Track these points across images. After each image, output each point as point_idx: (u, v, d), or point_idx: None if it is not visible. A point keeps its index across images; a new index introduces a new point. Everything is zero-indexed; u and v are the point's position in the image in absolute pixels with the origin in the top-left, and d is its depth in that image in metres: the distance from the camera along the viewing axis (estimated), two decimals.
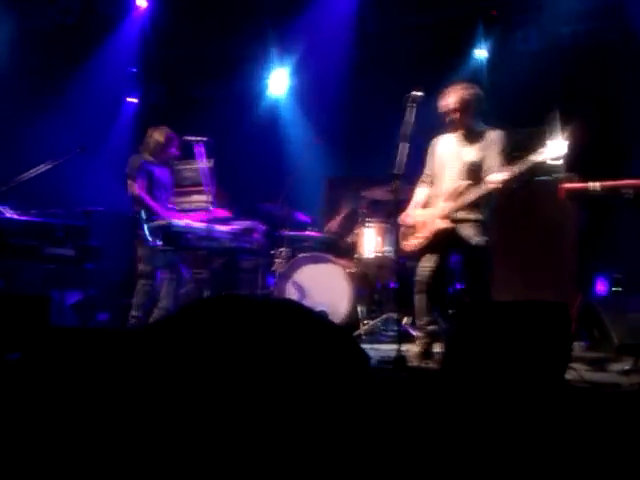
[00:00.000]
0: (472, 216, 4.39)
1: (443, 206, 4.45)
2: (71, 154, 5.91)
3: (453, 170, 4.49)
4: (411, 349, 4.54)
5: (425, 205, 4.64)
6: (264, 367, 2.08)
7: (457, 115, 4.46)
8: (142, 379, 2.11)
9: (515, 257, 5.45)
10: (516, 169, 4.16)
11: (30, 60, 7.52)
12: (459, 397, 2.76)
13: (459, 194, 4.39)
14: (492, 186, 4.23)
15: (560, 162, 4.19)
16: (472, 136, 4.49)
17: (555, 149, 4.07)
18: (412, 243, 4.56)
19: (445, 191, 4.48)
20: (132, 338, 2.28)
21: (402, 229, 4.66)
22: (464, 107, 4.44)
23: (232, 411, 1.99)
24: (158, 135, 5.62)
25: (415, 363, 4.26)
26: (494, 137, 4.43)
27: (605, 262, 5.41)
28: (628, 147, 5.99)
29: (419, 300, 4.50)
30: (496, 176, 4.22)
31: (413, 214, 4.63)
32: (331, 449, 2.00)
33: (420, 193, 4.71)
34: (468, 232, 4.36)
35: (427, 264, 4.46)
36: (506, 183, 4.19)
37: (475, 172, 4.39)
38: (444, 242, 4.42)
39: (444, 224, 4.39)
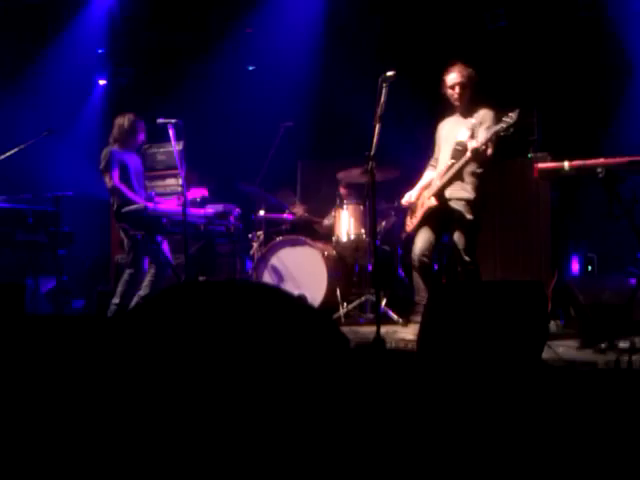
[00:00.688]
0: (462, 194, 4.66)
1: (434, 184, 4.74)
2: (38, 137, 5.80)
3: (448, 151, 4.76)
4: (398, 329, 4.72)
5: (427, 185, 4.89)
6: (243, 352, 2.07)
7: (459, 91, 4.72)
8: (119, 367, 2.09)
9: (490, 237, 5.49)
10: (481, 138, 4.48)
11: None
12: (436, 378, 2.78)
13: (446, 172, 4.67)
14: (464, 159, 4.54)
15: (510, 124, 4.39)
16: (467, 115, 4.76)
17: (512, 119, 4.39)
18: (411, 223, 4.87)
19: (439, 171, 4.77)
20: (108, 325, 2.25)
21: (408, 211, 4.96)
22: (465, 83, 4.71)
23: (211, 397, 1.98)
24: (123, 122, 5.56)
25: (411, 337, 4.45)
26: (483, 114, 4.70)
27: (578, 242, 5.47)
28: (601, 126, 6.04)
29: (414, 277, 4.80)
30: (469, 143, 4.52)
31: (410, 194, 4.93)
32: (311, 432, 2.00)
33: (426, 176, 4.98)
34: (458, 210, 4.63)
35: (419, 242, 4.75)
36: (476, 152, 4.48)
37: (462, 152, 4.62)
38: (435, 220, 4.74)
39: (433, 202, 4.68)
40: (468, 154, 4.52)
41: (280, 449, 1.95)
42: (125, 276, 5.41)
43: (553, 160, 4.60)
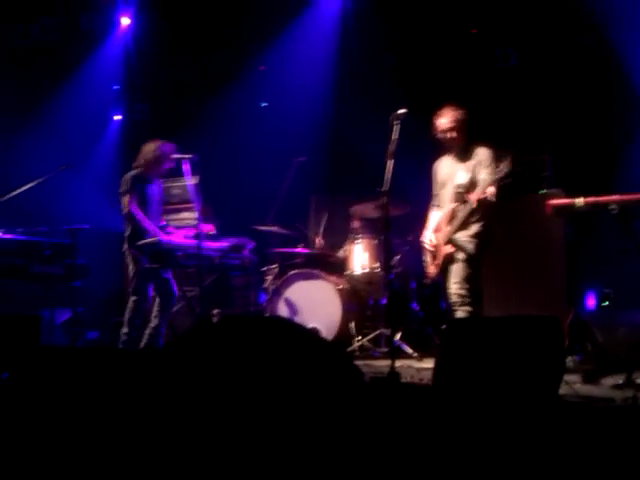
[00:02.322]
0: (470, 231, 4.74)
1: (445, 231, 4.80)
2: (55, 171, 5.87)
3: (448, 192, 4.85)
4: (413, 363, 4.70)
5: (437, 229, 4.92)
6: (259, 386, 2.08)
7: (451, 135, 4.78)
8: (141, 400, 2.10)
9: (504, 273, 5.48)
10: (484, 186, 4.58)
11: (14, 79, 7.47)
12: (452, 413, 2.76)
13: (452, 218, 4.77)
14: (469, 206, 4.66)
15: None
16: (464, 155, 4.82)
17: (506, 167, 4.53)
18: (433, 269, 4.89)
19: (444, 215, 4.85)
20: (136, 359, 2.26)
21: (427, 256, 4.98)
22: (457, 127, 4.77)
23: (233, 429, 1.98)
24: (149, 150, 5.52)
25: None
26: (481, 154, 4.76)
27: (593, 277, 5.45)
28: (613, 162, 6.06)
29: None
30: (472, 196, 4.63)
31: (429, 238, 4.95)
32: (327, 464, 1.99)
33: (433, 217, 5.02)
34: (460, 244, 4.73)
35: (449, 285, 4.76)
36: (481, 201, 4.60)
37: (463, 194, 4.73)
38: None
39: (450, 249, 4.75)
40: (473, 205, 4.62)
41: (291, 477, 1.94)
42: (130, 304, 5.36)
43: (566, 196, 4.61)
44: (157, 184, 5.67)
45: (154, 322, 5.33)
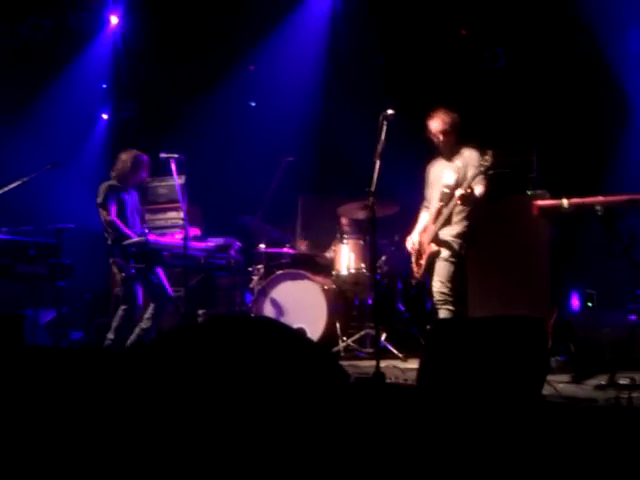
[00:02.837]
0: (454, 231, 4.83)
1: (430, 230, 4.89)
2: (41, 170, 5.84)
3: (436, 193, 4.93)
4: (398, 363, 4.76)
5: (424, 229, 5.02)
6: (242, 386, 2.07)
7: (441, 138, 4.88)
8: (124, 401, 2.09)
9: (490, 273, 5.49)
10: (470, 182, 4.65)
11: (2, 78, 7.43)
12: (436, 413, 2.77)
13: (437, 216, 4.86)
14: (453, 202, 4.71)
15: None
16: (451, 157, 4.92)
17: (487, 162, 4.59)
18: (418, 269, 4.97)
19: (431, 215, 4.94)
20: (122, 358, 2.26)
21: (412, 256, 5.06)
22: (448, 130, 4.86)
23: (218, 429, 1.98)
24: (126, 159, 5.53)
25: None
26: (467, 156, 4.86)
27: (577, 278, 5.48)
28: (599, 164, 6.10)
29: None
30: (457, 191, 4.68)
31: (412, 240, 5.06)
32: (313, 464, 2.00)
33: (422, 218, 5.13)
34: (444, 241, 4.82)
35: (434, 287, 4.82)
36: (463, 198, 4.64)
37: (449, 194, 4.79)
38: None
39: (434, 248, 4.83)
40: (457, 202, 4.67)
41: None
42: (119, 312, 5.34)
43: (552, 197, 4.64)
44: (134, 192, 5.67)
45: (146, 324, 5.31)
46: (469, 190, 4.61)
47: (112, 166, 5.62)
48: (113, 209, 5.35)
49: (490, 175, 4.67)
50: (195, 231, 5.61)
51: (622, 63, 6.26)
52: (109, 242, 5.36)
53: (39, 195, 6.63)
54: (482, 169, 4.59)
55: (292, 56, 7.57)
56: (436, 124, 4.88)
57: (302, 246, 6.98)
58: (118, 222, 5.32)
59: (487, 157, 4.57)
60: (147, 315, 5.35)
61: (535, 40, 6.85)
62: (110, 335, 5.29)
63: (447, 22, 7.15)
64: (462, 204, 4.69)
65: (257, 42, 7.61)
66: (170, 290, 5.50)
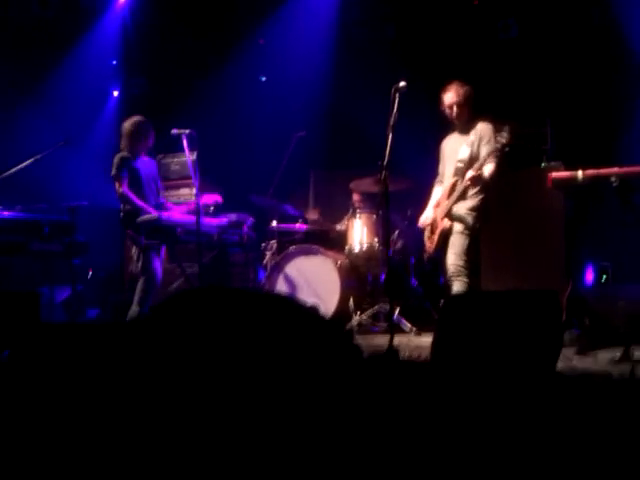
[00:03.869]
0: (468, 204, 4.80)
1: (443, 204, 4.85)
2: (54, 147, 5.84)
3: (451, 168, 4.90)
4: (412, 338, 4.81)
5: (438, 204, 4.99)
6: (256, 361, 2.08)
7: (456, 110, 4.84)
8: (132, 373, 2.10)
9: (503, 247, 5.47)
10: (482, 162, 4.64)
11: (10, 54, 7.41)
12: (450, 388, 2.77)
13: (451, 191, 4.82)
14: (467, 183, 4.72)
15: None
16: (466, 131, 4.87)
17: (505, 138, 4.57)
18: (430, 244, 4.95)
19: (445, 189, 4.90)
20: (120, 332, 2.26)
21: (426, 231, 5.04)
22: (461, 102, 4.83)
23: (224, 404, 1.98)
24: (128, 126, 5.50)
25: None
26: (481, 129, 4.81)
27: (592, 251, 5.45)
28: (614, 135, 6.03)
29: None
30: (468, 173, 4.69)
31: (426, 216, 5.04)
32: (325, 441, 2.00)
33: (436, 193, 5.10)
34: (458, 216, 4.79)
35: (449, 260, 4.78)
36: (474, 179, 4.67)
37: (464, 169, 4.78)
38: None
39: (447, 223, 4.80)
40: (468, 182, 4.68)
41: (293, 457, 1.95)
42: (140, 284, 5.28)
43: (566, 169, 4.59)
44: (149, 161, 5.65)
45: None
46: (479, 172, 4.64)
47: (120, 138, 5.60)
48: (125, 181, 5.32)
49: (506, 152, 4.64)
50: (216, 197, 5.59)
51: (636, 33, 6.16)
52: (122, 214, 5.36)
53: (52, 173, 6.64)
54: (498, 145, 4.56)
55: (302, 29, 7.50)
56: (450, 96, 4.84)
57: (314, 215, 6.95)
58: (131, 195, 5.30)
59: (504, 133, 4.53)
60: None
61: (548, 10, 6.74)
62: (134, 307, 5.23)
63: None
64: (472, 185, 4.72)
65: (267, 15, 7.54)
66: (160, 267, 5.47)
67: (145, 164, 5.56)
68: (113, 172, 5.38)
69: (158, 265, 5.38)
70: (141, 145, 5.54)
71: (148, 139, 5.56)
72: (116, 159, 5.42)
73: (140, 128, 5.49)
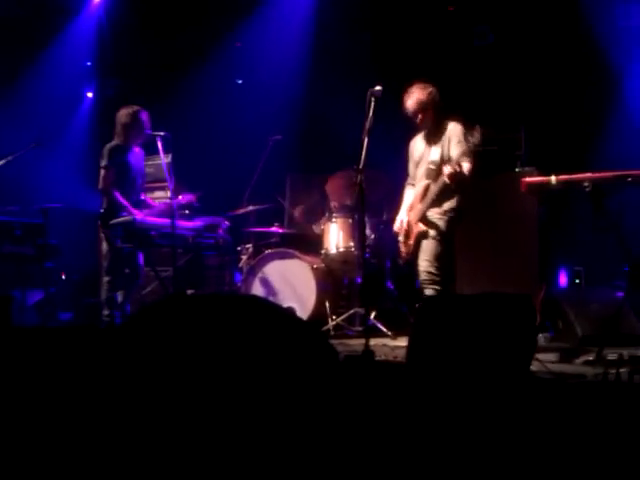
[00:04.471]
0: (441, 209, 4.68)
1: (417, 208, 4.75)
2: (26, 149, 5.77)
3: (422, 170, 4.79)
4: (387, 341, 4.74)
5: (411, 207, 4.87)
6: (231, 364, 2.07)
7: (420, 117, 4.74)
8: (104, 378, 2.08)
9: (477, 251, 5.51)
10: (457, 160, 4.50)
11: None
12: (425, 390, 2.78)
13: (424, 194, 4.71)
14: (442, 181, 4.57)
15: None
16: (436, 133, 4.76)
17: (476, 138, 4.49)
18: (406, 249, 4.84)
19: (417, 193, 4.79)
20: (95, 338, 2.24)
21: (400, 235, 4.91)
22: (423, 108, 4.71)
23: (200, 408, 1.97)
24: (125, 114, 5.38)
25: None
26: (450, 130, 4.70)
27: (565, 255, 5.51)
28: (587, 141, 6.10)
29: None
30: (445, 170, 4.52)
31: (400, 220, 4.92)
32: (300, 442, 2.00)
33: (407, 195, 4.98)
34: (432, 221, 4.69)
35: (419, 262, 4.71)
36: (452, 176, 4.49)
37: (436, 171, 4.66)
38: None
39: (422, 227, 4.70)
40: (446, 180, 4.51)
41: (269, 457, 1.94)
42: (104, 285, 5.25)
43: (540, 174, 4.63)
44: (139, 152, 5.54)
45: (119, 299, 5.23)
46: (457, 168, 4.47)
47: (113, 127, 5.46)
48: (111, 174, 5.21)
49: (478, 152, 4.56)
50: (191, 197, 5.53)
51: (611, 38, 6.25)
52: (102, 210, 5.26)
53: (24, 174, 6.55)
54: (470, 145, 4.49)
55: (279, 33, 7.50)
56: (411, 104, 4.72)
57: (296, 212, 6.93)
58: (111, 190, 5.19)
59: (475, 133, 4.47)
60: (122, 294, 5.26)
61: (523, 16, 6.81)
62: (105, 311, 5.19)
63: None
64: (451, 182, 4.54)
65: (244, 18, 7.53)
66: (142, 268, 5.43)
67: (136, 156, 5.46)
68: (104, 162, 5.26)
69: (128, 268, 5.32)
70: (135, 135, 5.42)
71: (143, 130, 5.41)
72: (106, 148, 5.30)
73: (135, 118, 5.37)
